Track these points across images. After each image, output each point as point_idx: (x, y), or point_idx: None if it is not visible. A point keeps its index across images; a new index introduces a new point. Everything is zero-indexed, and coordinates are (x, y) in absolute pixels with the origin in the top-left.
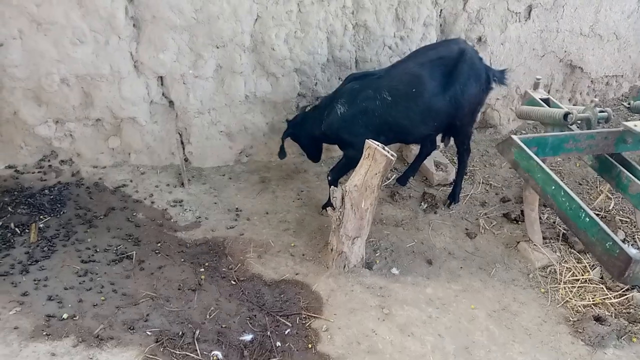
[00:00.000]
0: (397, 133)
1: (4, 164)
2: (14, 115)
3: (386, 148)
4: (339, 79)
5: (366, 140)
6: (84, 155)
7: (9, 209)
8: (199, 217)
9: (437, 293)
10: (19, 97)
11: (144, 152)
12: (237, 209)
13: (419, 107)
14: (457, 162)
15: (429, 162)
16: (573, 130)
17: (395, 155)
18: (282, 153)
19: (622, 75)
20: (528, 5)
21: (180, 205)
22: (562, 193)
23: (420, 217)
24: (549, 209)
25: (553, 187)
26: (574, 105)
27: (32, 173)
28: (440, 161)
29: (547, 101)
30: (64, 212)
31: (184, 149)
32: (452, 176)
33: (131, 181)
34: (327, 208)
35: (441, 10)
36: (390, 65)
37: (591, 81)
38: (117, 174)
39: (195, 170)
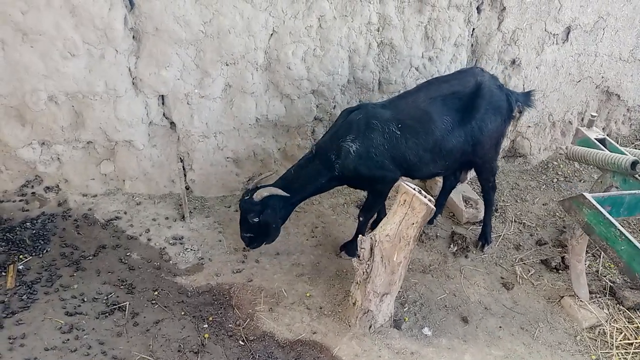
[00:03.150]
0: (406, 169)
1: None
2: None
3: (427, 195)
4: (360, 101)
5: (402, 184)
6: (73, 181)
7: None
8: (202, 258)
9: None
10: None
11: (141, 179)
12: (244, 248)
13: (428, 144)
14: (483, 201)
15: (457, 198)
16: (639, 179)
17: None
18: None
19: None
20: (567, 26)
21: (181, 244)
22: None
23: (450, 262)
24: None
25: None
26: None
27: (13, 202)
28: (470, 196)
29: (602, 141)
30: (47, 250)
31: (185, 176)
32: (482, 213)
33: (125, 213)
34: (353, 259)
35: (473, 29)
36: (397, 96)
37: (627, 109)
38: (110, 204)
39: (198, 200)
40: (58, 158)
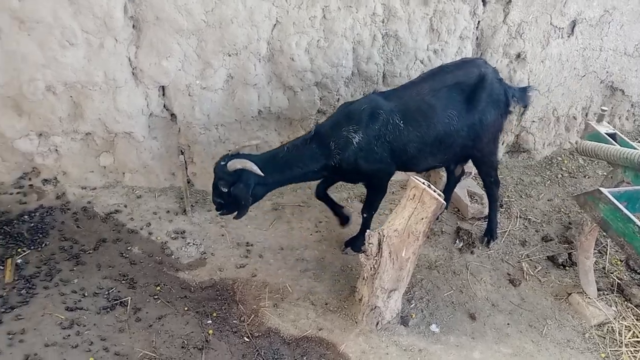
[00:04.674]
0: (405, 162)
1: None
2: None
3: (436, 190)
4: (364, 94)
5: (411, 178)
6: (71, 173)
7: None
8: (204, 253)
9: (485, 358)
10: None
11: (141, 172)
12: (247, 243)
13: (430, 137)
14: (487, 196)
15: (462, 193)
16: None
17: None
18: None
19: None
20: (572, 20)
21: (183, 238)
22: None
23: (455, 258)
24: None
25: None
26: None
27: (10, 194)
28: (475, 191)
29: (613, 136)
30: (46, 244)
31: (186, 169)
32: (487, 209)
33: (125, 206)
34: (361, 255)
35: (479, 22)
36: (401, 86)
37: (631, 105)
38: (109, 197)
39: (199, 193)
40: (56, 150)
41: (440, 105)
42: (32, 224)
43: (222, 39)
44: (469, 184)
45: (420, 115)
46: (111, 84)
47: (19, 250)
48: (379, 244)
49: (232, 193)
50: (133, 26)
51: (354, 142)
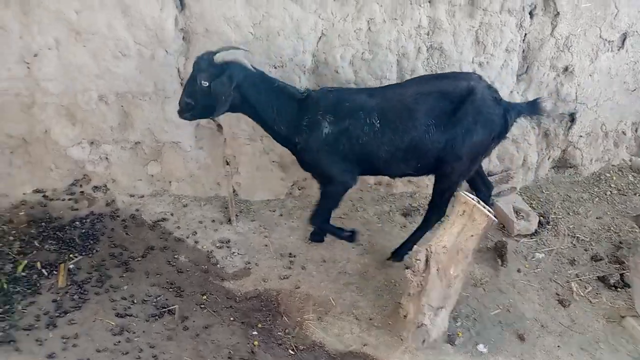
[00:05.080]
0: (375, 166)
1: (32, 187)
2: (45, 134)
3: (486, 206)
4: None
5: (461, 193)
6: (120, 181)
7: (36, 243)
8: (249, 263)
9: None
10: (51, 114)
11: (187, 181)
12: (290, 254)
13: (404, 142)
14: (423, 218)
15: (507, 209)
16: None
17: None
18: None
19: None
20: (623, 33)
21: (228, 247)
22: None
23: (501, 276)
24: None
25: None
26: None
27: (62, 200)
28: (522, 207)
29: None
30: (96, 250)
31: (231, 178)
32: (534, 226)
33: (172, 214)
34: (406, 270)
35: (526, 34)
36: (386, 85)
37: None
38: (156, 205)
39: (243, 203)
40: (106, 158)
41: (421, 111)
42: (83, 230)
43: (268, 51)
44: (515, 199)
45: (398, 117)
46: (160, 94)
47: (71, 256)
48: (427, 261)
49: (213, 88)
50: (183, 38)
51: (323, 132)
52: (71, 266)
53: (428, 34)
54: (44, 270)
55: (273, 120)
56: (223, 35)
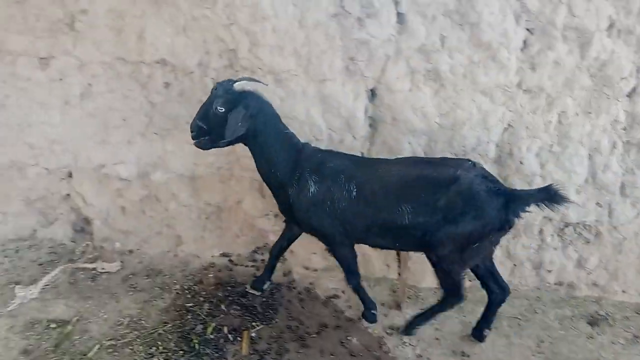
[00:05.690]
0: (357, 234)
1: (219, 251)
2: (237, 205)
3: None
4: (597, 204)
5: None
6: (297, 253)
7: (223, 307)
8: (420, 357)
9: None
10: (245, 187)
11: (359, 259)
12: (463, 352)
13: (377, 220)
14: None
15: None
16: None
17: None
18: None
19: None
20: None
21: (398, 335)
22: None
23: None
24: None
25: None
26: None
27: (245, 266)
28: None
29: None
30: (275, 321)
31: (401, 262)
32: None
33: (343, 292)
34: None
35: None
36: (377, 158)
37: None
38: (328, 280)
39: (410, 289)
40: None
41: (396, 193)
42: (264, 299)
43: (451, 139)
44: None
45: (373, 193)
46: None
47: (253, 324)
48: None
49: (229, 116)
50: (370, 125)
51: (310, 191)
52: (253, 334)
53: (625, 129)
54: (229, 335)
55: (274, 161)
56: (408, 123)
